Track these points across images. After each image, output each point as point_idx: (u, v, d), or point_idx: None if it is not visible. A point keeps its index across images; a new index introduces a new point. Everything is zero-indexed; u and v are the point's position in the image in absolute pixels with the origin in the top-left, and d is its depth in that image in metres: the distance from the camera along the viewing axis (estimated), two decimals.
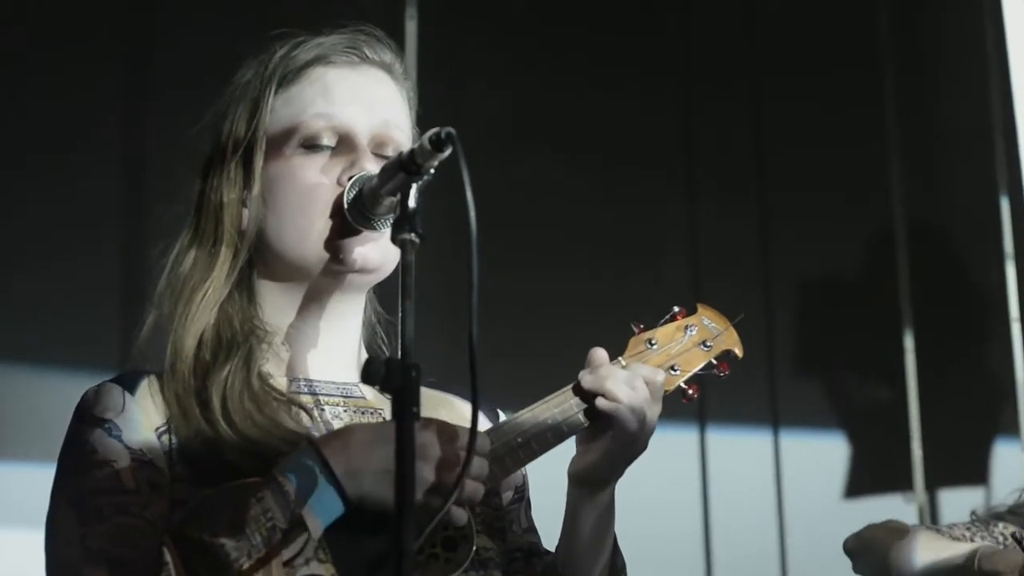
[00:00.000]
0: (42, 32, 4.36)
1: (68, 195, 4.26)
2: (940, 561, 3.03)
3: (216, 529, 1.71)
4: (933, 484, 5.73)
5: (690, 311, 2.13)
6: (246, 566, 1.69)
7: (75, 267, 4.24)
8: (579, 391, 2.00)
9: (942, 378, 5.78)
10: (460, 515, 1.82)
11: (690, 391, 2.09)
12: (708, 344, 2.11)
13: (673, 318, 2.12)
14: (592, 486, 2.04)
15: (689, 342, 2.10)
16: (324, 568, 1.74)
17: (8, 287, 4.18)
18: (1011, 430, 5.68)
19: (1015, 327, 5.61)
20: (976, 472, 5.84)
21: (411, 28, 4.69)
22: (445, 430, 1.81)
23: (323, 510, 1.75)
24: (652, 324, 2.10)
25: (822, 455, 5.83)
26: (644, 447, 2.01)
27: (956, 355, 5.90)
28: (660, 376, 2.02)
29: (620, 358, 2.06)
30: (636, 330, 2.09)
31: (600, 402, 1.98)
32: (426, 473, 1.76)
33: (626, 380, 1.98)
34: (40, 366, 4.25)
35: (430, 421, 1.81)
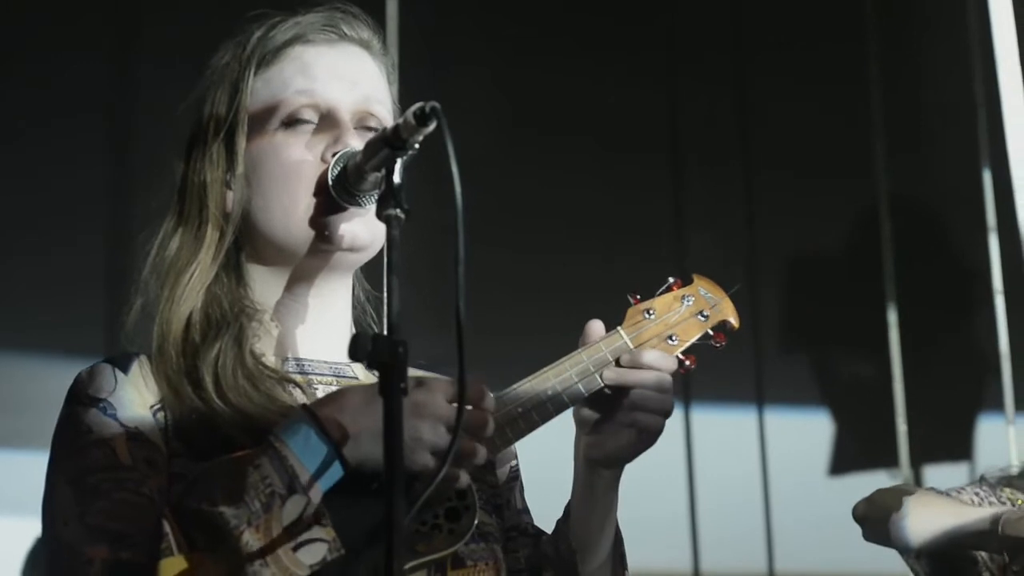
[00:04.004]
0: (25, 17, 4.35)
1: (52, 182, 4.26)
2: (948, 522, 3.01)
3: (215, 498, 1.70)
4: (918, 460, 5.75)
5: (686, 281, 2.13)
6: (246, 533, 1.68)
7: (59, 254, 4.23)
8: (581, 368, 2.01)
9: (926, 353, 5.80)
10: (461, 477, 1.81)
11: (687, 362, 2.08)
12: (705, 314, 2.10)
13: (669, 288, 2.11)
14: (612, 467, 2.05)
15: (686, 312, 2.09)
16: (325, 532, 1.72)
17: None
18: (995, 405, 5.70)
19: (999, 300, 5.62)
20: (961, 447, 5.86)
21: (392, 9, 4.67)
22: (444, 388, 1.79)
23: (322, 474, 1.74)
24: (648, 295, 2.10)
25: (807, 432, 5.86)
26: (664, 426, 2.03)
27: (940, 329, 5.92)
28: (673, 364, 2.03)
29: (619, 328, 2.06)
30: (632, 301, 2.09)
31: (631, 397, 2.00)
32: (426, 432, 1.75)
33: (655, 394, 2.00)
34: (26, 353, 4.25)
35: (424, 380, 1.80)
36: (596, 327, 2.05)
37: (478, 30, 5.37)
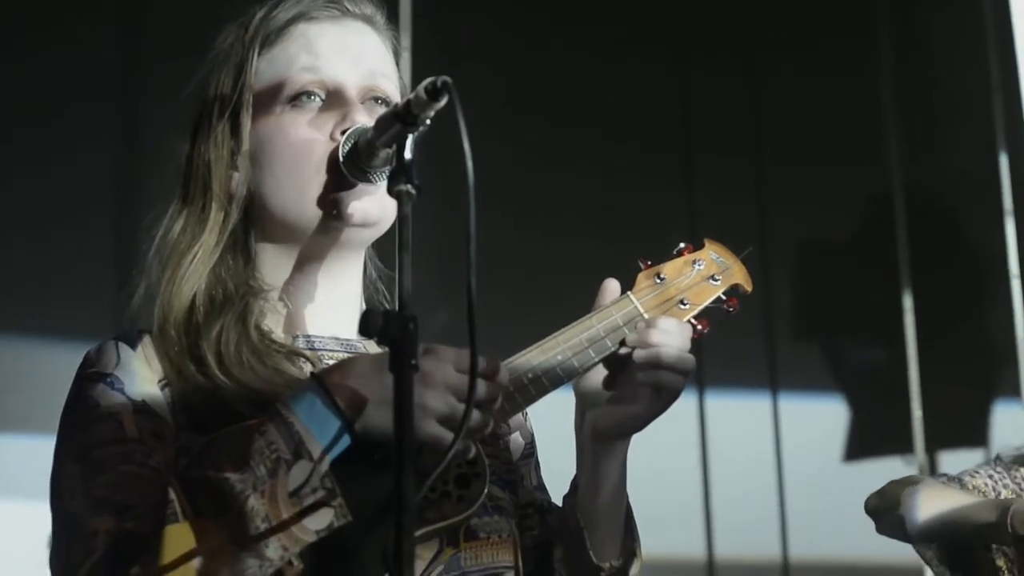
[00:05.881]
0: (34, 4, 4.34)
1: (61, 165, 4.25)
2: (956, 513, 2.97)
3: (220, 464, 1.70)
4: (933, 446, 5.73)
5: (697, 246, 2.11)
6: (252, 498, 1.67)
7: (68, 237, 4.23)
8: (592, 334, 1.99)
9: (942, 339, 5.77)
10: (469, 449, 1.79)
11: (699, 326, 2.06)
12: (716, 278, 2.09)
13: (680, 253, 2.10)
14: (622, 437, 2.04)
15: (697, 276, 2.08)
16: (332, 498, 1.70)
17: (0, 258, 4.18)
18: (1011, 391, 5.69)
19: (1015, 284, 5.60)
20: (976, 433, 5.84)
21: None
22: (452, 356, 1.77)
23: (328, 440, 1.73)
24: (658, 260, 2.08)
25: (821, 418, 5.83)
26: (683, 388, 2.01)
27: (956, 316, 5.90)
28: (688, 330, 2.01)
29: (629, 293, 2.04)
30: (643, 266, 2.08)
31: (651, 374, 1.97)
32: (433, 401, 1.73)
33: (679, 351, 1.97)
34: (33, 338, 4.24)
35: (433, 348, 1.77)
36: (613, 285, 2.05)
37: (492, 24, 5.36)
